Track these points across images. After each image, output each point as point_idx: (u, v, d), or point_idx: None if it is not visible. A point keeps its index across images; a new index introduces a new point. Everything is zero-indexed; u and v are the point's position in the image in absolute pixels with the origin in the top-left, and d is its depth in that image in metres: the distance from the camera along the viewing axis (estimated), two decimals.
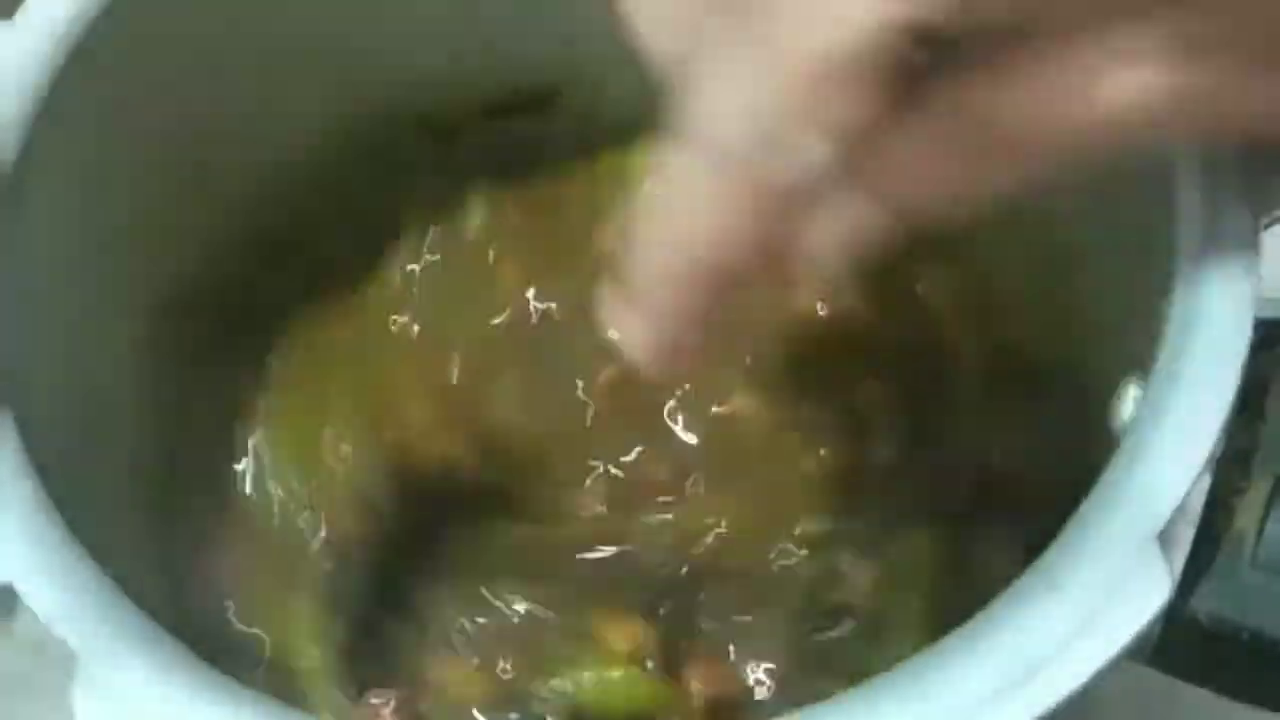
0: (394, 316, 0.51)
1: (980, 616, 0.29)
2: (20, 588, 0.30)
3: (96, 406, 0.42)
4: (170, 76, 0.43)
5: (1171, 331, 0.32)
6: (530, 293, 0.51)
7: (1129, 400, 0.35)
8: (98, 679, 0.29)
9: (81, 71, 0.39)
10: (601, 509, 0.47)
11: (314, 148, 0.50)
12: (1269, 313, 0.44)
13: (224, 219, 0.48)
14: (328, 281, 0.50)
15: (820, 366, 0.48)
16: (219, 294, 0.48)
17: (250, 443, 0.48)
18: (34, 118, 0.38)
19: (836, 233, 0.28)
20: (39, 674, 0.49)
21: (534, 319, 0.50)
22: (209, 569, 0.45)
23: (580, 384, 0.48)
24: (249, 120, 0.47)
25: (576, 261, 0.50)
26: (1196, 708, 0.46)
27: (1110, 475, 0.30)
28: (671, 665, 0.43)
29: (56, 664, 0.46)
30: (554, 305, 0.50)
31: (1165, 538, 0.29)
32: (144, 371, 0.45)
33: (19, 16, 0.39)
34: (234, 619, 0.45)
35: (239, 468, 0.48)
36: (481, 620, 0.44)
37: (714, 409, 0.48)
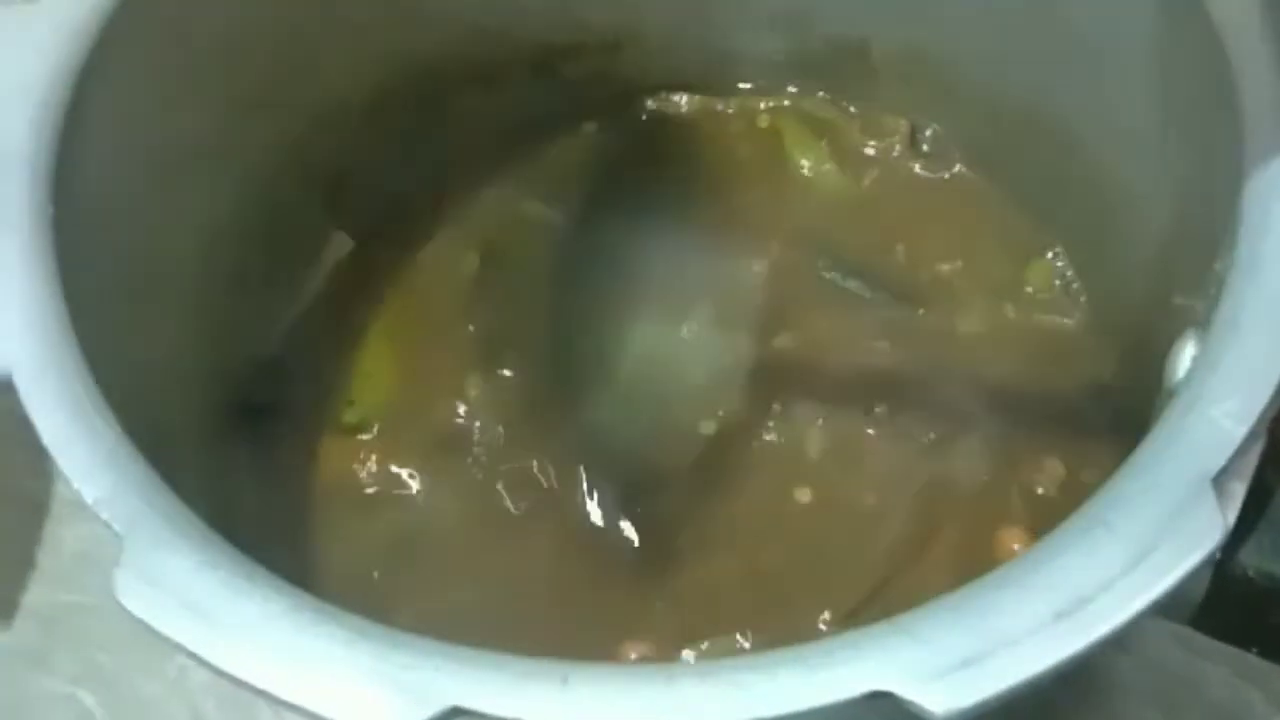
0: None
1: (1035, 549, 0.28)
2: (66, 468, 0.30)
3: (153, 327, 0.42)
4: (219, 17, 0.43)
5: (1232, 283, 0.32)
6: None
7: (1186, 355, 0.35)
8: (140, 564, 0.29)
9: (130, 15, 0.39)
10: None
11: (369, 87, 0.50)
12: None
13: (279, 151, 0.49)
14: (376, 217, 0.51)
15: None
16: (267, 222, 0.48)
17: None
18: (97, 37, 0.38)
19: None
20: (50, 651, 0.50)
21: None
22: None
23: None
24: (310, 54, 0.47)
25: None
26: (1218, 693, 0.46)
27: (1167, 419, 0.30)
28: None
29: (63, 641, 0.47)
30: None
31: (1220, 486, 0.29)
32: (196, 297, 0.45)
33: None
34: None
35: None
36: None
37: None
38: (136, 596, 0.28)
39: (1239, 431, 0.29)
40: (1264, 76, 0.35)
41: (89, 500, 0.30)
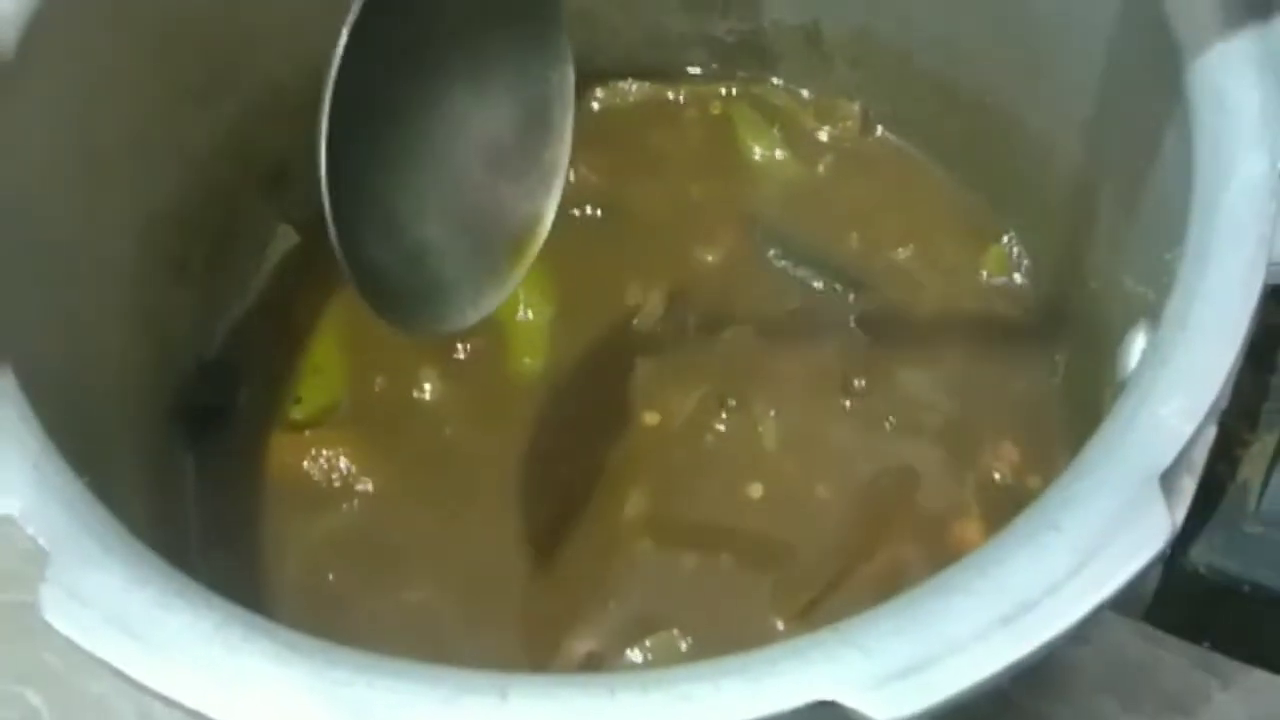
0: None
1: (982, 552, 0.28)
2: None
3: (87, 323, 0.41)
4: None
5: (1182, 277, 0.31)
6: None
7: (1137, 347, 0.35)
8: (67, 581, 0.28)
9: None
10: None
11: (309, 74, 0.49)
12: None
13: (218, 139, 0.48)
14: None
15: None
16: (207, 213, 0.47)
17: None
18: (34, 16, 0.37)
19: None
20: None
21: None
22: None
23: None
24: (248, 42, 0.46)
25: None
26: (1174, 682, 0.46)
27: (1114, 417, 0.30)
28: None
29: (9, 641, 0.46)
30: None
31: (1168, 484, 0.29)
32: (132, 289, 0.44)
33: None
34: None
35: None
36: None
37: None
38: (63, 614, 0.28)
39: (1186, 429, 0.29)
40: (1213, 66, 0.34)
41: (13, 514, 0.29)
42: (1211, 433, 0.30)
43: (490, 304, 0.37)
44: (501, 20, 0.36)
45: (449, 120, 0.36)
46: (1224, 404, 0.30)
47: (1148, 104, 0.37)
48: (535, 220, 0.38)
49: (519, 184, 0.37)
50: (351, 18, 0.32)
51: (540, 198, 0.38)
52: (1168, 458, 0.29)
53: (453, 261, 0.36)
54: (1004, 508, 0.44)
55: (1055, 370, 0.47)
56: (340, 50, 0.32)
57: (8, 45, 0.37)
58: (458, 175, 0.36)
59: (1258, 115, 0.33)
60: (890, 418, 0.46)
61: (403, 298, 0.35)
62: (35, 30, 0.37)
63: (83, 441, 0.33)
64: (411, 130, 0.35)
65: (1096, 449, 0.30)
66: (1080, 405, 0.44)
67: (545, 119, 0.37)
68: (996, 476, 0.46)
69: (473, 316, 0.37)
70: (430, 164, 0.35)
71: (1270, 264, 0.31)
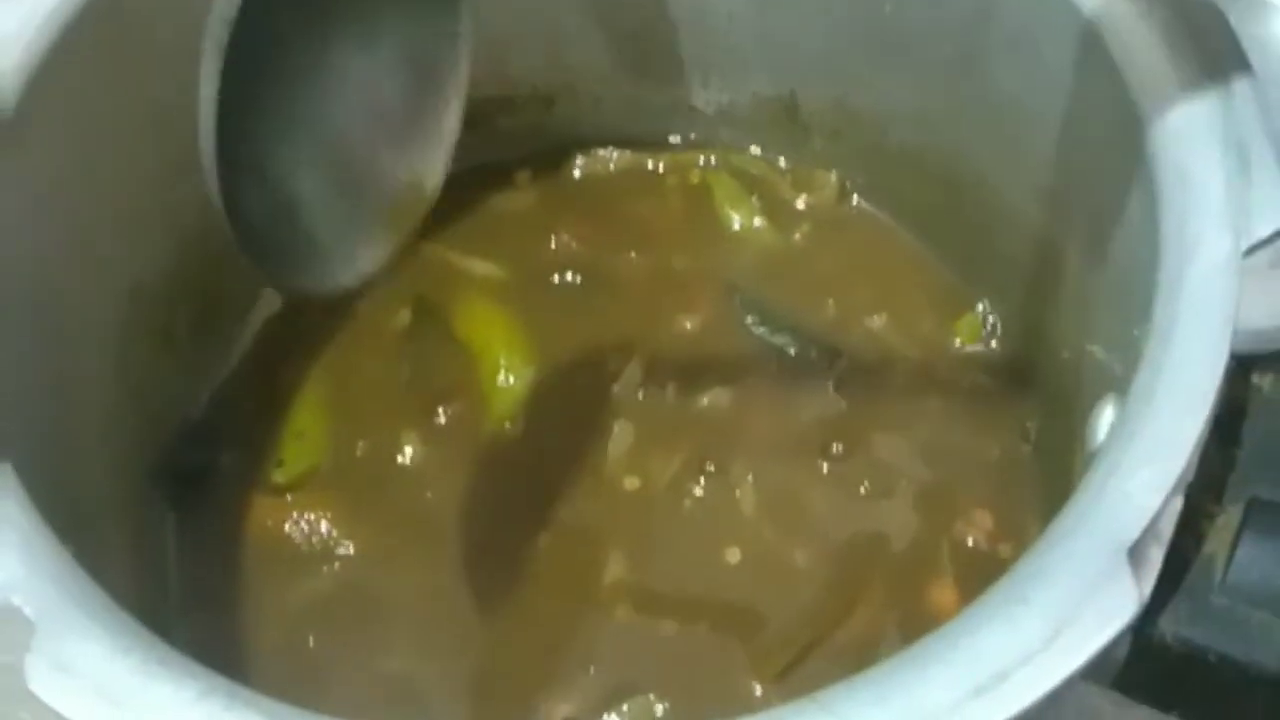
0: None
1: (952, 624, 0.29)
2: None
3: (73, 389, 0.42)
4: (163, 59, 0.42)
5: (1149, 352, 0.32)
6: None
7: (1105, 420, 0.35)
8: (52, 650, 0.28)
9: (60, 69, 0.39)
10: None
11: None
12: (1246, 342, 0.45)
13: (203, 209, 0.48)
14: None
15: None
16: (194, 280, 0.48)
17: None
18: (26, 89, 0.38)
19: None
20: None
21: None
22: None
23: None
24: None
25: None
26: None
27: (1084, 489, 0.30)
28: None
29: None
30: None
31: (1135, 556, 0.29)
32: (117, 354, 0.45)
33: None
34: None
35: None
36: None
37: None
38: (48, 684, 0.28)
39: (1153, 502, 0.30)
40: (1177, 143, 0.35)
41: None
42: (1178, 505, 0.31)
43: (365, 267, 0.36)
44: None
45: (334, 77, 0.35)
46: (1190, 477, 0.31)
47: (1114, 178, 0.38)
48: (418, 188, 0.37)
49: (403, 149, 0.36)
50: None
51: (424, 165, 0.37)
52: (1135, 530, 0.29)
53: (328, 220, 0.35)
54: (979, 572, 0.45)
55: (1027, 437, 0.48)
56: None
57: (8, 102, 0.37)
58: (338, 133, 0.35)
59: (1222, 194, 0.34)
60: (865, 483, 0.47)
61: (277, 250, 0.34)
62: (37, 89, 0.38)
63: (66, 505, 0.33)
64: (296, 84, 0.34)
65: (1066, 521, 0.30)
66: (1052, 472, 0.45)
67: (437, 85, 0.37)
68: (970, 542, 0.46)
69: (346, 278, 0.36)
70: (311, 119, 0.34)
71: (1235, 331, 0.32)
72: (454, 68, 0.37)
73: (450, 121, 0.37)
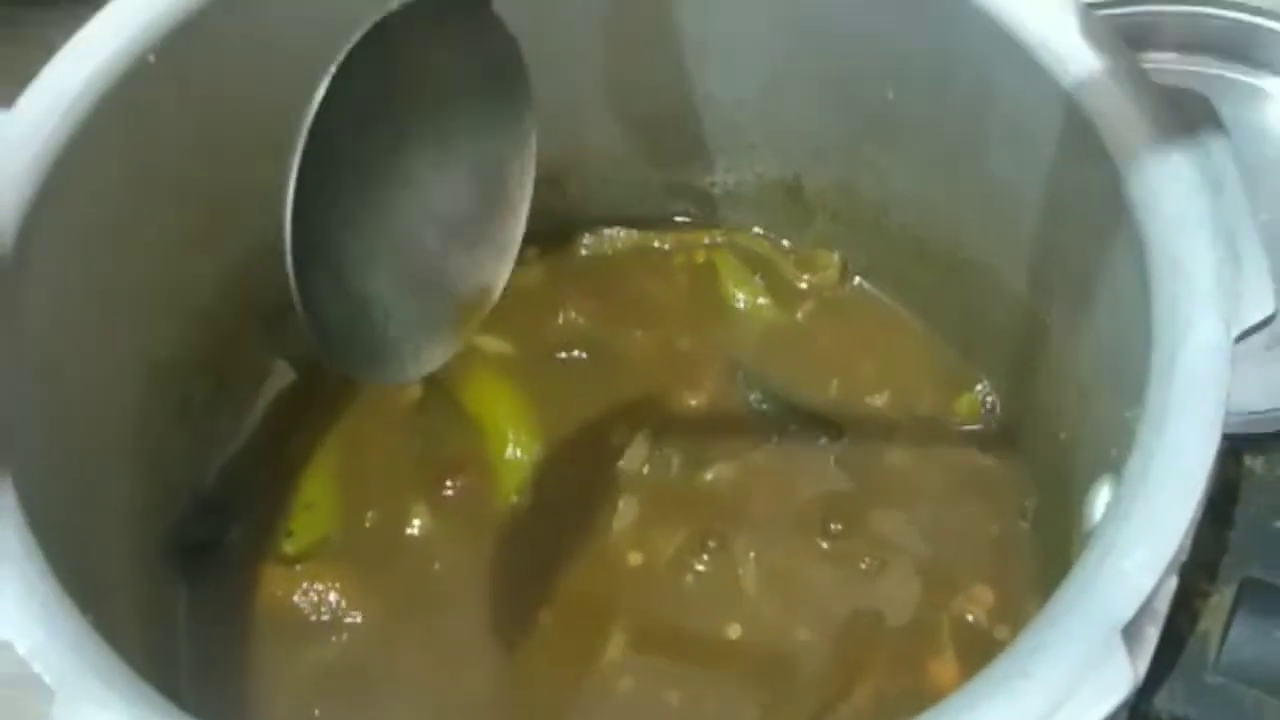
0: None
1: (954, 698, 0.29)
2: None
3: (91, 463, 0.42)
4: (169, 157, 0.44)
5: (1142, 435, 0.33)
6: None
7: (1101, 500, 0.36)
8: (71, 718, 0.29)
9: (82, 155, 0.40)
10: None
11: None
12: (1239, 425, 0.46)
13: (220, 286, 0.49)
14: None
15: None
16: (210, 354, 0.49)
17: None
18: (36, 198, 0.39)
19: None
20: None
21: None
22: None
23: None
24: (254, 191, 0.48)
25: None
26: None
27: (1080, 568, 0.31)
28: None
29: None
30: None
31: (1131, 634, 0.30)
32: (134, 431, 0.46)
33: (20, 103, 0.40)
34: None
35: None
36: None
37: None
38: None
39: (1148, 583, 0.30)
40: (1168, 229, 0.36)
41: (21, 652, 0.30)
42: (1173, 584, 0.32)
43: (431, 363, 0.38)
44: (471, 96, 0.37)
45: (409, 186, 0.37)
46: (1184, 557, 0.32)
47: (1107, 265, 0.39)
48: (483, 291, 0.39)
49: (470, 255, 0.39)
50: (328, 79, 0.33)
51: (490, 271, 0.39)
52: (1130, 610, 0.30)
53: (398, 320, 0.37)
54: (979, 648, 0.45)
55: (1026, 515, 0.48)
56: (316, 103, 0.33)
57: (30, 188, 0.38)
58: (411, 239, 0.37)
59: (1212, 280, 0.35)
60: (866, 559, 0.47)
61: (347, 344, 0.36)
62: (60, 174, 0.39)
63: (82, 577, 0.34)
64: (372, 191, 0.36)
65: (1063, 600, 0.31)
66: (1051, 550, 0.46)
67: (503, 196, 0.39)
68: (971, 618, 0.47)
69: (413, 372, 0.38)
70: (386, 225, 0.36)
71: (1232, 413, 0.33)
72: (520, 177, 0.39)
73: (515, 228, 0.39)
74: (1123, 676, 0.29)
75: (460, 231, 0.38)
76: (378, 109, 0.36)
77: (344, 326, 0.36)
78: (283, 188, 0.33)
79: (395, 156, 0.36)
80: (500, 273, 0.39)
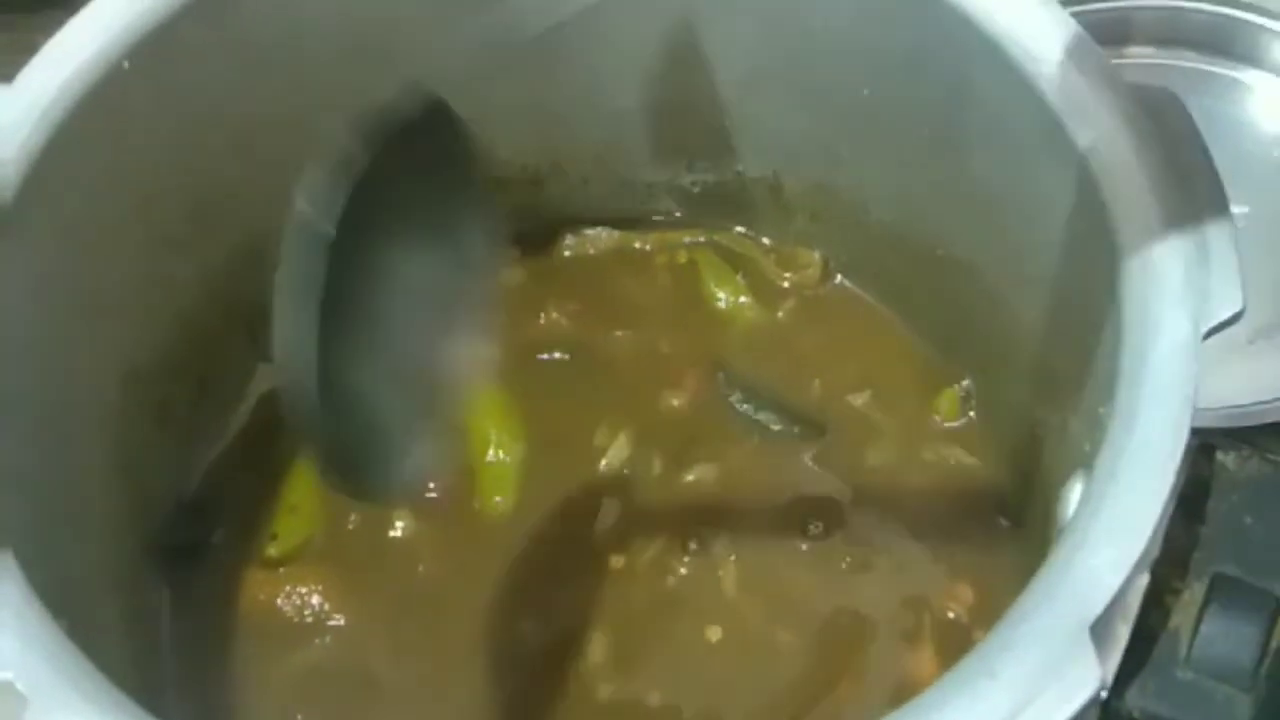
0: None
1: (922, 698, 0.29)
2: None
3: (70, 467, 0.43)
4: (145, 160, 0.44)
5: (1112, 432, 0.33)
6: None
7: (1074, 496, 0.36)
8: None
9: (58, 159, 0.40)
10: None
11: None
12: (1209, 421, 0.46)
13: (202, 287, 0.49)
14: None
15: None
16: (191, 359, 0.49)
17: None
18: (11, 203, 0.39)
19: None
20: None
21: None
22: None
23: None
24: (230, 194, 0.48)
25: None
26: None
27: (1049, 567, 0.31)
28: None
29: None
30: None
31: (1099, 632, 0.30)
32: (114, 434, 0.46)
33: (19, 80, 0.40)
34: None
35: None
36: None
37: None
38: None
39: (1116, 580, 0.30)
40: (1142, 230, 0.36)
41: None
42: (1144, 580, 0.32)
43: (423, 462, 0.37)
44: (433, 192, 0.37)
45: (391, 290, 0.36)
46: (1155, 553, 0.32)
47: (1080, 263, 0.39)
48: (464, 372, 0.38)
49: (451, 337, 0.38)
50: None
51: (468, 349, 0.38)
52: (1098, 607, 0.30)
53: (400, 426, 0.36)
54: (960, 646, 0.45)
55: (1006, 512, 0.48)
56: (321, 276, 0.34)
57: (8, 190, 0.38)
58: (401, 340, 0.37)
59: (1181, 279, 0.35)
60: (847, 559, 0.48)
61: (360, 467, 0.35)
62: (37, 177, 0.39)
63: (60, 581, 0.34)
64: (359, 305, 0.35)
65: (1032, 597, 0.31)
66: (1030, 546, 0.46)
67: (471, 264, 0.38)
68: (951, 616, 0.47)
69: (410, 477, 0.37)
70: (377, 336, 0.36)
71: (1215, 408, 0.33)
72: (485, 241, 0.38)
73: (484, 298, 0.38)
74: (1090, 675, 0.29)
75: (440, 316, 0.38)
76: (358, 224, 0.35)
77: (353, 451, 0.35)
78: (297, 343, 0.34)
79: (374, 263, 0.36)
80: (477, 351, 0.38)
